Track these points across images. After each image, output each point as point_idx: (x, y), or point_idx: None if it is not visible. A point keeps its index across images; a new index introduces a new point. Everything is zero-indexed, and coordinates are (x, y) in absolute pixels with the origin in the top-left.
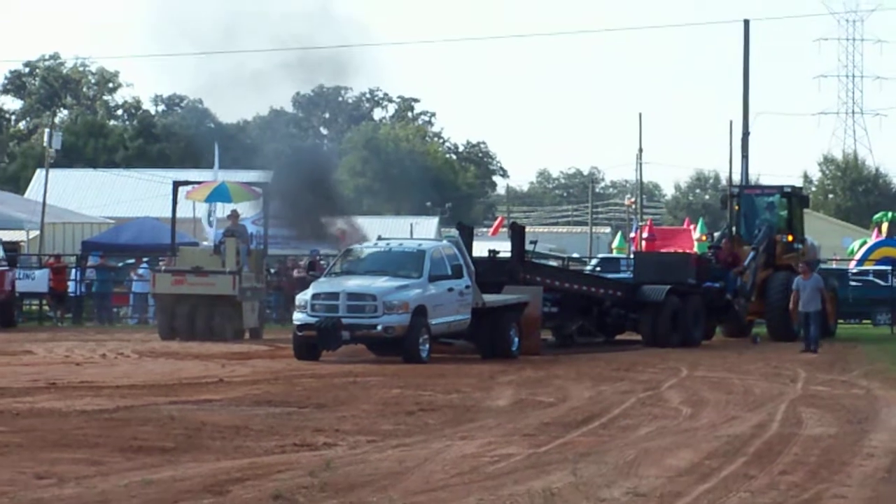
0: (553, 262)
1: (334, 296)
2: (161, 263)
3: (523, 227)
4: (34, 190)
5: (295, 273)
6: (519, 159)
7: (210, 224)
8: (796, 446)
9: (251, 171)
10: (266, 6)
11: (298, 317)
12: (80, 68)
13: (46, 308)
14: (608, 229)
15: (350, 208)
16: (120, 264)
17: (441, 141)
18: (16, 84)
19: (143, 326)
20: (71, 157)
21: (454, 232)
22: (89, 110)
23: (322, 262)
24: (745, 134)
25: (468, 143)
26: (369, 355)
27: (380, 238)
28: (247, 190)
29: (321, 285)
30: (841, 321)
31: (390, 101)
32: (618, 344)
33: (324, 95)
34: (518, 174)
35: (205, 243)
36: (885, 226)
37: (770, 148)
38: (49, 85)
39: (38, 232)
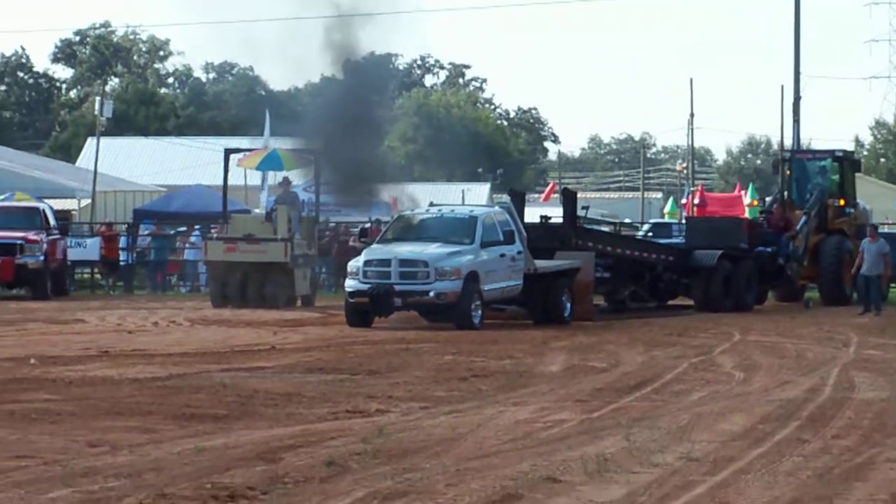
0: (605, 228)
1: (386, 262)
2: (213, 231)
3: (575, 193)
4: (85, 158)
5: (350, 241)
6: (570, 125)
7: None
8: (849, 410)
9: (302, 138)
10: None
11: (350, 283)
12: (131, 36)
13: (98, 276)
14: (660, 195)
15: (400, 175)
16: (171, 232)
17: (492, 107)
18: (66, 53)
19: (194, 294)
20: (122, 125)
21: (506, 198)
22: (140, 78)
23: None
24: (797, 98)
25: (519, 109)
26: (421, 322)
27: (432, 204)
28: (298, 157)
29: (373, 252)
30: (893, 286)
31: (441, 67)
32: (670, 309)
33: (374, 62)
34: (569, 140)
35: (256, 211)
36: None
37: (821, 112)
38: (100, 53)
39: (89, 200)
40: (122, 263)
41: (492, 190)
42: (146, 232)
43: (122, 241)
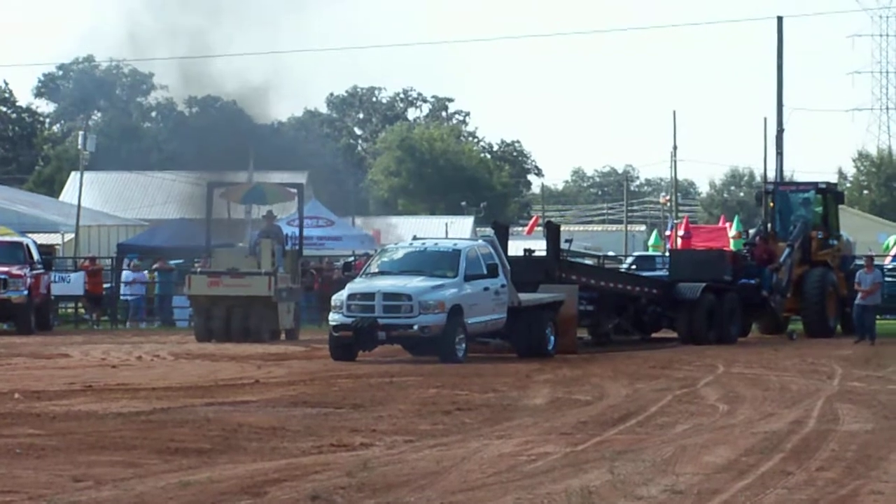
0: (589, 261)
1: (370, 296)
2: (196, 265)
3: (558, 226)
4: (69, 193)
5: (334, 275)
6: (553, 158)
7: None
8: (833, 442)
9: (286, 171)
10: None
11: (334, 317)
12: (114, 71)
13: (82, 311)
14: (643, 227)
15: (384, 208)
16: (153, 267)
17: (475, 140)
18: (49, 87)
19: (178, 329)
20: (105, 159)
21: (489, 231)
22: (123, 113)
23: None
24: (780, 130)
25: (502, 142)
26: (406, 355)
27: (415, 238)
28: (281, 191)
29: (357, 285)
30: (877, 317)
31: (424, 100)
32: (654, 342)
33: (357, 96)
34: (553, 173)
35: (240, 244)
36: None
37: (804, 144)
38: (83, 87)
39: (73, 235)
40: (122, 298)
41: (475, 223)
42: (155, 266)
43: (127, 276)
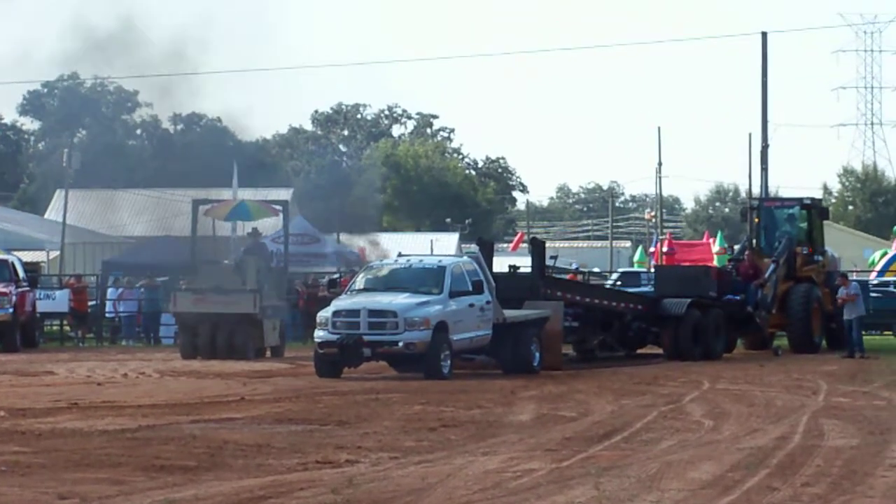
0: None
1: (355, 313)
2: (181, 282)
3: (543, 242)
4: (54, 210)
5: (319, 292)
6: (538, 174)
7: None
8: (819, 458)
9: (271, 188)
10: None
11: (320, 334)
12: (99, 88)
13: (67, 328)
14: (628, 243)
15: (369, 225)
16: (138, 283)
17: (460, 157)
18: (34, 105)
19: (164, 346)
20: (90, 176)
21: (474, 248)
22: (108, 130)
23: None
24: (765, 146)
25: (487, 158)
26: (391, 372)
27: (400, 254)
28: (266, 208)
29: (342, 302)
30: (862, 333)
31: (409, 117)
32: (639, 358)
33: (342, 112)
34: (538, 189)
35: (225, 262)
36: None
37: (789, 160)
38: (68, 105)
39: (58, 252)
40: (107, 316)
41: (460, 240)
42: (140, 283)
43: (112, 293)
